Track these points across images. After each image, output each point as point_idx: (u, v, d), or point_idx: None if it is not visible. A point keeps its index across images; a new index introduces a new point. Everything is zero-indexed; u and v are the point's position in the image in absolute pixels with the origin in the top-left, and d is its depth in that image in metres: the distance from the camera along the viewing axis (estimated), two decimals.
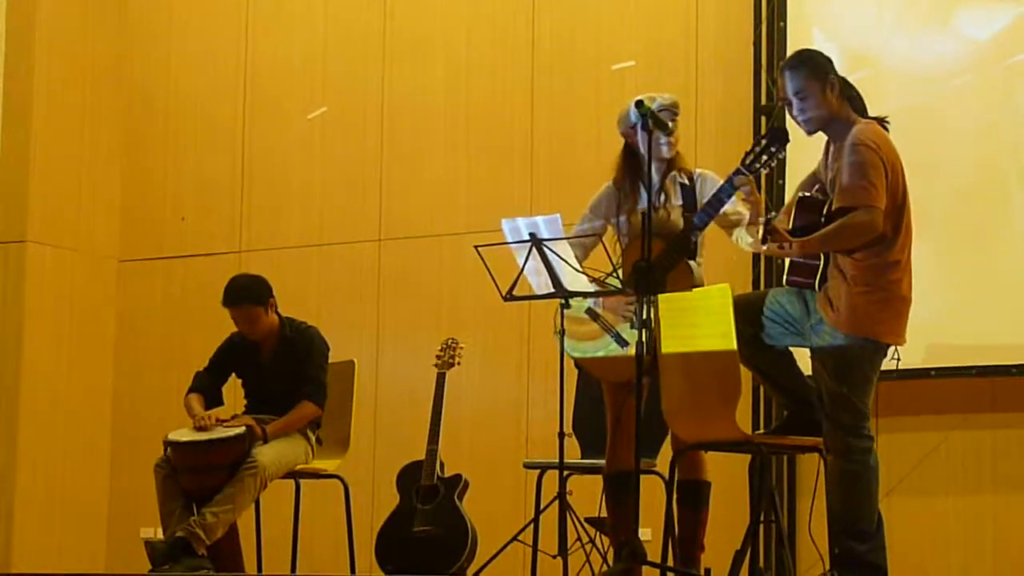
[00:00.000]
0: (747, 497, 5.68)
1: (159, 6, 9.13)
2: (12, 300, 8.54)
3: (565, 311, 5.63)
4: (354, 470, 7.17)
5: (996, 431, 6.95)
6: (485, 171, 8.18)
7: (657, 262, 5.31)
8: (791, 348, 5.28)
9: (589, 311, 5.61)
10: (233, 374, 6.79)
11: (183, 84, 9.02)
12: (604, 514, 5.73)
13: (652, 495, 5.79)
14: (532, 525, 6.15)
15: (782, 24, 7.37)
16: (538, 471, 6.40)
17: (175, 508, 6.26)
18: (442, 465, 7.02)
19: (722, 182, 5.27)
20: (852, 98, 5.15)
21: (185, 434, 6.37)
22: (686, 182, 5.64)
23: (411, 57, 8.42)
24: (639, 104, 5.35)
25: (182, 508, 6.25)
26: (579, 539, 6.14)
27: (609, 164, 5.77)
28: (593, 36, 8.00)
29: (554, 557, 6.12)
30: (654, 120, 5.32)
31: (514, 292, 5.54)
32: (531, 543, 6.15)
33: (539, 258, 5.43)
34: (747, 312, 5.18)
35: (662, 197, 5.62)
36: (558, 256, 5.39)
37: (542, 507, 6.19)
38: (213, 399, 6.70)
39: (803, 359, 5.30)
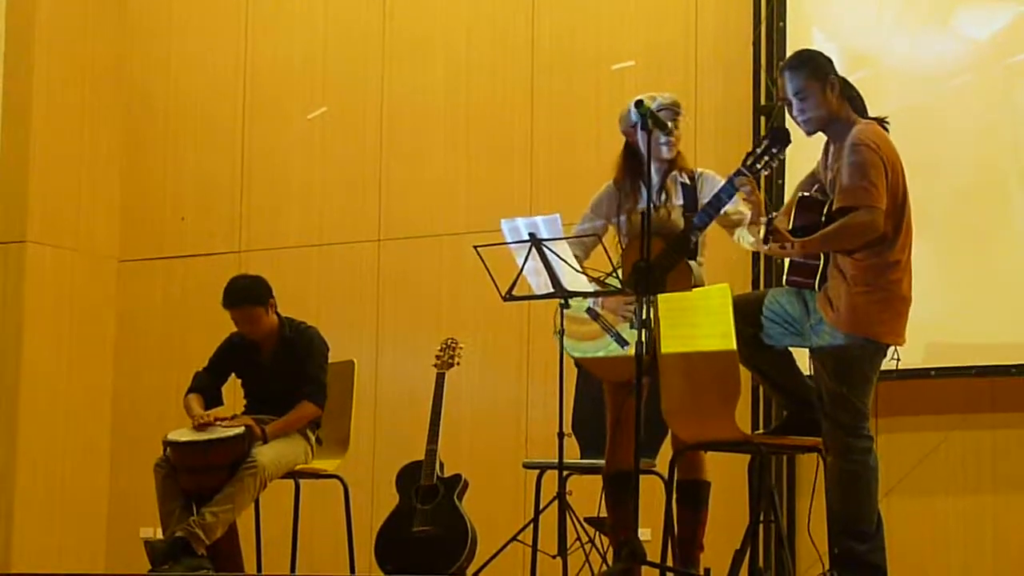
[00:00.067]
0: (747, 497, 5.68)
1: (159, 6, 9.12)
2: (12, 300, 8.54)
3: (565, 311, 5.63)
4: (354, 470, 7.17)
5: (996, 431, 6.95)
6: (485, 171, 8.18)
7: (657, 262, 5.31)
8: (791, 348, 5.28)
9: (589, 311, 5.61)
10: (233, 374, 6.79)
11: (183, 84, 9.02)
12: (604, 514, 5.73)
13: (652, 495, 5.79)
14: (532, 525, 6.15)
15: (782, 24, 7.36)
16: (538, 471, 6.40)
17: (175, 508, 6.26)
18: (442, 465, 7.02)
19: (723, 182, 5.27)
20: (852, 98, 5.14)
21: (185, 434, 6.37)
22: (687, 181, 5.64)
23: (411, 57, 8.42)
24: (639, 104, 5.35)
25: (182, 508, 6.26)
26: (579, 539, 6.14)
27: (609, 164, 5.77)
28: (593, 36, 8.00)
29: (554, 557, 6.12)
30: (653, 120, 5.32)
31: (514, 292, 5.54)
32: (531, 543, 6.15)
33: (538, 258, 5.42)
34: (747, 312, 5.18)
35: (663, 196, 5.62)
36: (557, 256, 5.39)
37: (542, 507, 6.19)
38: (213, 399, 6.70)
39: (803, 359, 5.30)
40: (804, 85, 5.08)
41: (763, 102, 7.40)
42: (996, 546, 6.93)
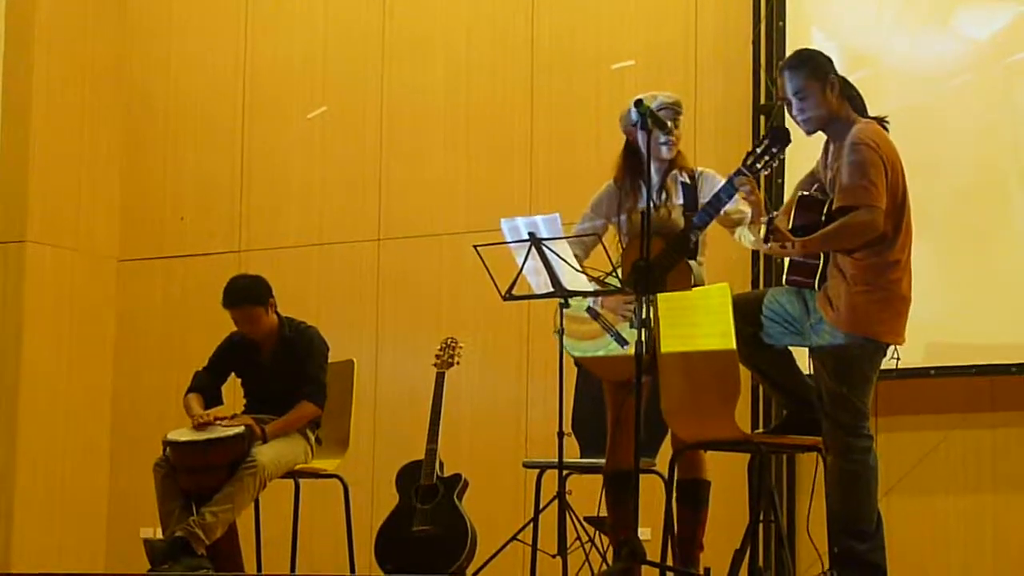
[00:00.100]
0: (746, 496, 5.68)
1: (159, 6, 9.12)
2: (12, 300, 8.54)
3: (565, 310, 5.63)
4: (354, 470, 7.17)
5: (996, 430, 6.95)
6: (485, 171, 8.18)
7: (657, 261, 5.31)
8: (791, 347, 5.28)
9: (590, 310, 5.61)
10: (233, 374, 6.79)
11: (183, 84, 9.02)
12: (604, 513, 5.73)
13: (652, 494, 5.79)
14: (532, 524, 6.15)
15: (781, 23, 7.37)
16: (537, 471, 6.40)
17: (174, 508, 6.26)
18: (441, 465, 7.02)
19: (723, 182, 5.27)
20: (852, 97, 5.14)
21: (184, 434, 6.37)
22: (687, 181, 5.63)
23: (411, 57, 8.42)
24: (638, 103, 5.35)
25: (181, 508, 6.25)
26: (579, 538, 6.14)
27: (609, 164, 5.77)
28: (593, 36, 8.00)
29: (554, 557, 6.12)
30: (653, 119, 5.32)
31: (513, 292, 5.54)
32: (531, 543, 6.15)
33: (538, 257, 5.42)
34: (746, 311, 5.18)
35: (663, 196, 5.62)
36: (557, 256, 5.39)
37: (542, 506, 6.19)
38: (212, 399, 6.70)
39: (803, 358, 5.30)
40: (804, 84, 5.08)
41: (763, 102, 7.41)
42: (996, 546, 6.93)
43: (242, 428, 6.32)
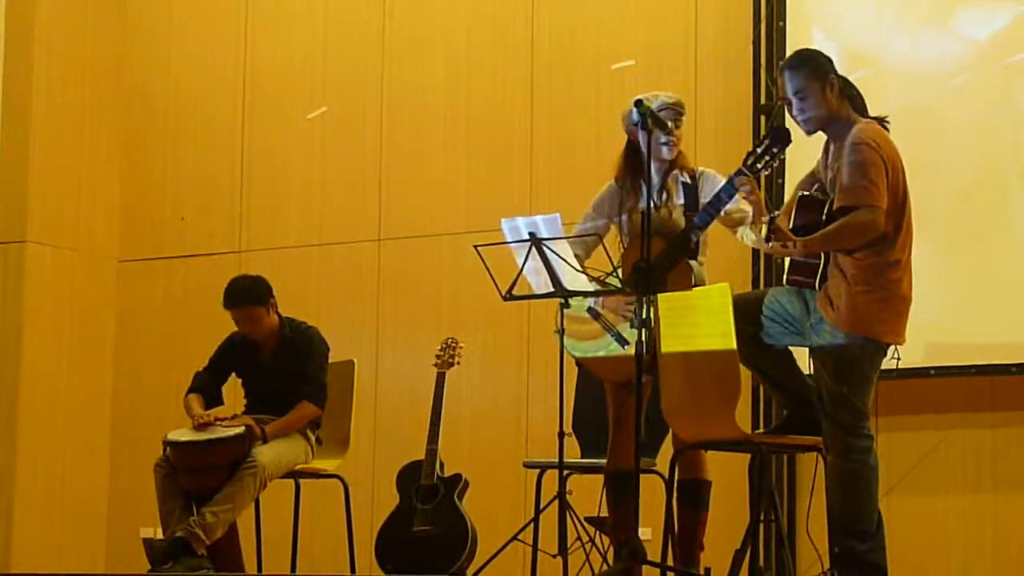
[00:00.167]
0: (747, 496, 5.68)
1: (159, 6, 9.12)
2: (12, 300, 8.54)
3: (565, 311, 5.63)
4: (354, 470, 7.17)
5: (996, 430, 6.95)
6: (485, 171, 8.18)
7: (657, 261, 5.31)
8: (791, 347, 5.28)
9: (591, 310, 5.61)
10: (233, 374, 6.79)
11: (183, 84, 9.02)
12: (604, 513, 5.73)
13: (652, 494, 5.79)
14: (532, 525, 6.15)
15: (781, 23, 7.37)
16: (538, 471, 6.40)
17: (175, 508, 6.26)
18: (442, 465, 7.02)
19: (723, 182, 5.27)
20: (852, 97, 5.14)
21: (184, 434, 6.37)
22: (688, 181, 5.63)
23: (411, 57, 8.42)
24: (639, 103, 5.35)
25: (182, 508, 6.25)
26: (579, 539, 6.14)
27: (609, 164, 5.78)
28: (593, 36, 8.00)
29: (554, 557, 6.12)
30: (653, 119, 5.32)
31: (514, 292, 5.54)
32: (531, 543, 6.15)
33: (538, 258, 5.43)
34: (747, 311, 5.18)
35: (664, 196, 5.62)
36: (557, 255, 5.39)
37: (542, 507, 6.19)
38: (213, 399, 6.71)
39: (803, 358, 5.30)
40: (804, 84, 5.08)
41: (763, 102, 7.41)
42: (996, 545, 6.93)
43: (242, 428, 6.32)
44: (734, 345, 5.13)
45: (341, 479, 6.68)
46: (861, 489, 5.00)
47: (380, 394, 8.14)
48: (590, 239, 5.62)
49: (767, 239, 5.03)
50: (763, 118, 7.38)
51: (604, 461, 5.70)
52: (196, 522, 6.14)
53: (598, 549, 6.17)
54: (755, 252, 7.06)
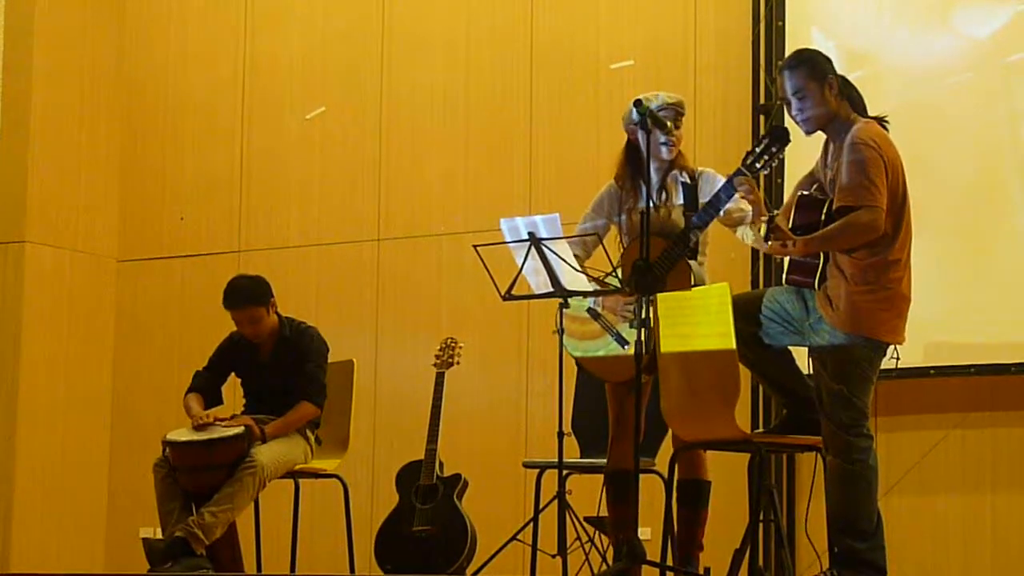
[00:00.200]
0: (746, 496, 5.68)
1: (159, 5, 9.12)
2: (11, 300, 8.54)
3: (565, 311, 5.63)
4: (353, 470, 7.18)
5: (996, 430, 6.95)
6: (484, 171, 8.18)
7: (657, 261, 5.31)
8: (790, 347, 5.28)
9: (590, 310, 5.61)
10: (232, 374, 6.79)
11: (183, 83, 9.02)
12: (604, 513, 5.73)
13: (652, 494, 5.79)
14: (531, 524, 6.15)
15: (781, 23, 7.37)
16: (537, 470, 6.40)
17: (174, 508, 6.26)
18: (441, 464, 7.01)
19: (723, 181, 5.27)
20: (852, 97, 5.14)
21: (184, 434, 6.37)
22: (688, 180, 5.63)
23: (410, 57, 8.42)
24: (638, 103, 5.35)
25: (181, 508, 6.25)
26: (578, 538, 6.14)
27: (609, 164, 5.77)
28: (593, 36, 7.99)
29: (553, 556, 6.11)
30: (653, 119, 5.32)
31: (513, 292, 5.54)
32: (530, 542, 6.15)
33: (538, 257, 5.42)
34: (746, 311, 5.18)
35: (663, 196, 5.62)
36: (557, 255, 5.39)
37: (541, 506, 6.18)
38: (212, 399, 6.70)
39: (803, 358, 5.30)
40: (803, 84, 5.08)
41: (763, 101, 7.41)
42: (996, 545, 6.93)
43: (242, 428, 6.32)
44: (733, 345, 5.12)
45: (340, 479, 6.68)
46: (861, 489, 5.00)
47: (379, 394, 8.14)
48: (589, 239, 5.62)
49: (766, 239, 5.03)
50: (762, 118, 7.38)
51: (604, 461, 5.70)
52: (195, 522, 6.14)
53: (597, 549, 6.16)
54: (755, 252, 7.06)
